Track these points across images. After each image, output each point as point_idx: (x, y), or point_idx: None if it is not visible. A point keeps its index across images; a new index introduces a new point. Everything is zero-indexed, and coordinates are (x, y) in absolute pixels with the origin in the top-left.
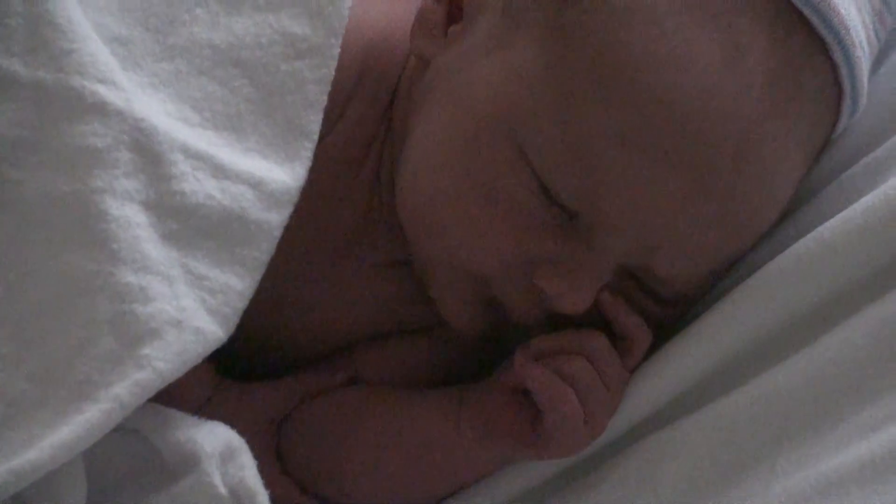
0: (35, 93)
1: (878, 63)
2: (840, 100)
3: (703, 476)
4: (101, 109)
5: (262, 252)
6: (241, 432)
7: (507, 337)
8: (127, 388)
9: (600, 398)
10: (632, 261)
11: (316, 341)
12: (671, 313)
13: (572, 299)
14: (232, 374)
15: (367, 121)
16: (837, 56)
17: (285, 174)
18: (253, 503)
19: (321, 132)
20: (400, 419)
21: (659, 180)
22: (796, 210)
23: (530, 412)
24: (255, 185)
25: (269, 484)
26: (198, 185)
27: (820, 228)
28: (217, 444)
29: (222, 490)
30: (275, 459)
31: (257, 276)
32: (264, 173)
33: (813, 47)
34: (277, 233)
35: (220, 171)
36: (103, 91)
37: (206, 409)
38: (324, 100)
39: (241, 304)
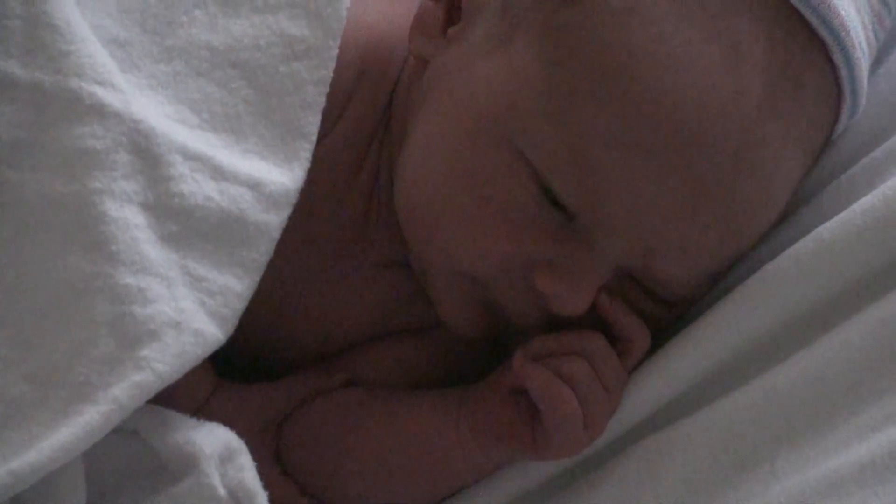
0: (33, 94)
1: (877, 64)
2: (840, 101)
3: (702, 477)
4: (99, 111)
5: (261, 253)
6: (241, 433)
7: (506, 338)
8: (126, 389)
9: (599, 399)
10: (631, 262)
11: (315, 342)
12: (670, 314)
13: (571, 301)
14: (231, 376)
15: (365, 122)
16: (837, 57)
17: (284, 176)
18: None
19: (320, 133)
20: (399, 420)
21: (658, 181)
22: (795, 211)
23: (529, 413)
24: (254, 186)
25: (268, 485)
26: (196, 187)
27: (819, 229)
28: (216, 445)
29: (221, 491)
30: (274, 461)
31: (256, 278)
32: (263, 175)
33: (813, 48)
34: (276, 234)
35: (218, 172)
36: (101, 93)
37: (205, 411)
38: (322, 101)
39: (240, 305)
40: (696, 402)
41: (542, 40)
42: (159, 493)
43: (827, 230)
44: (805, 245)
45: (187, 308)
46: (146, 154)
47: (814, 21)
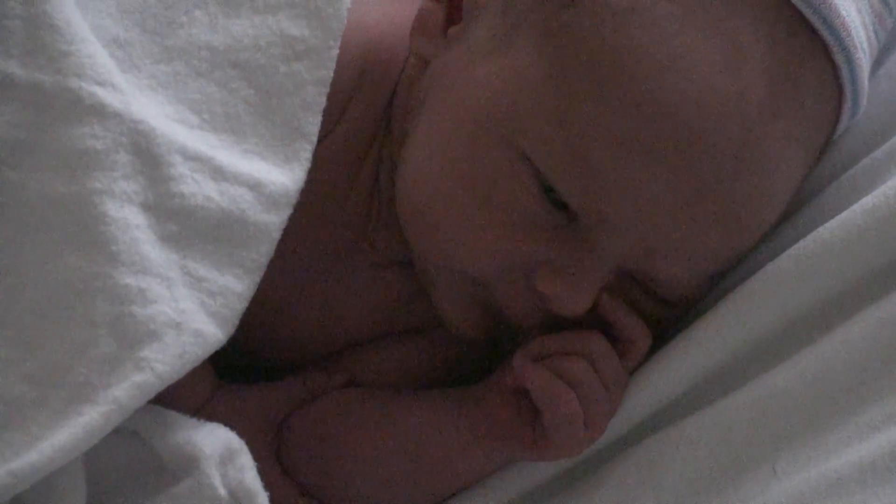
0: (33, 95)
1: (877, 64)
2: (841, 101)
3: (702, 477)
4: (99, 111)
5: (261, 254)
6: (241, 434)
7: (506, 338)
8: (126, 390)
9: (600, 399)
10: (632, 262)
11: (315, 342)
12: (671, 314)
13: (572, 301)
14: (231, 376)
15: (366, 122)
16: (839, 58)
17: (284, 176)
18: None
19: (320, 133)
20: (399, 420)
21: (659, 182)
22: (796, 211)
23: (530, 413)
24: (254, 186)
25: (268, 485)
26: (197, 187)
27: (820, 229)
28: (217, 445)
29: (222, 492)
30: (275, 461)
31: (256, 278)
32: (263, 175)
33: (814, 49)
34: (276, 234)
35: (218, 172)
36: (101, 93)
37: (205, 411)
38: (322, 101)
39: (240, 305)
40: (696, 402)
41: (543, 41)
42: (159, 494)
43: (828, 230)
44: (806, 245)
45: (188, 308)
46: (146, 154)
47: (815, 21)
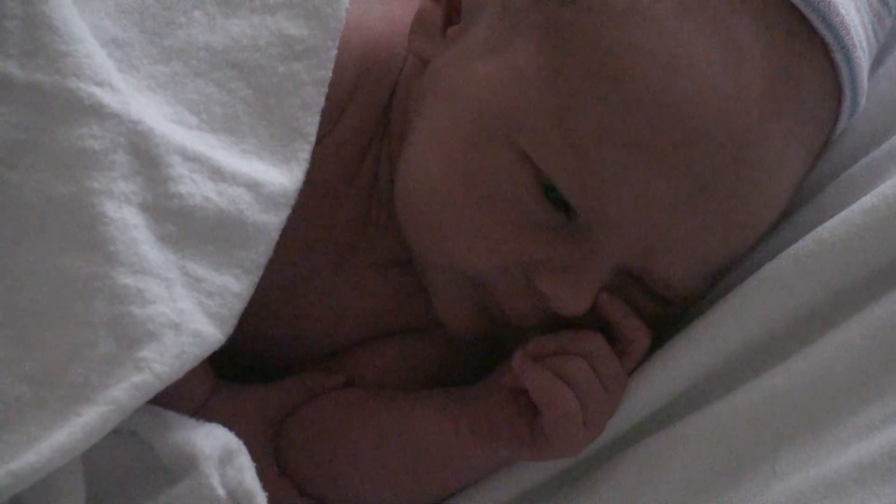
0: (32, 95)
1: (876, 63)
2: (840, 100)
3: (702, 477)
4: (97, 112)
5: (260, 254)
6: (240, 434)
7: (506, 338)
8: (125, 390)
9: (599, 399)
10: (631, 261)
11: (314, 342)
12: (670, 314)
13: (572, 301)
14: (230, 376)
15: (365, 122)
16: (838, 56)
17: (283, 176)
18: None
19: (320, 134)
20: (398, 420)
21: (658, 181)
22: (796, 210)
23: (529, 413)
24: (253, 187)
25: (267, 486)
26: (195, 188)
27: (819, 229)
28: (215, 446)
29: (221, 492)
30: (273, 461)
31: (255, 278)
32: (262, 175)
33: (813, 47)
34: (275, 235)
35: (217, 173)
36: (100, 93)
37: (204, 411)
38: (321, 101)
39: (238, 306)
40: (695, 401)
41: (542, 40)
42: (158, 494)
43: (827, 230)
44: (805, 244)
45: (186, 309)
46: (145, 155)
47: (814, 19)
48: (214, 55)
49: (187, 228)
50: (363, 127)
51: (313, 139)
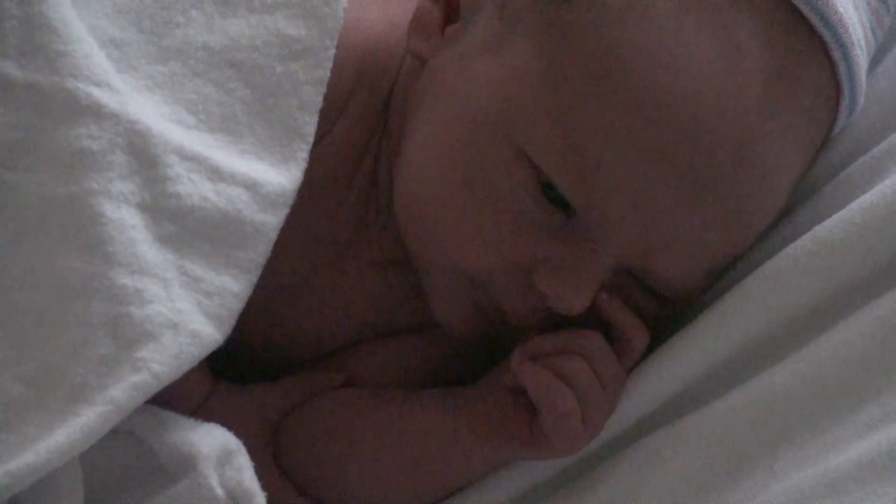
0: (30, 95)
1: (875, 62)
2: (838, 98)
3: (700, 476)
4: (96, 112)
5: (258, 254)
6: (238, 434)
7: (504, 338)
8: (123, 390)
9: (597, 398)
10: (630, 260)
11: (312, 342)
12: (669, 312)
13: (571, 300)
14: (228, 376)
15: (363, 122)
16: (836, 54)
17: (281, 176)
18: None
19: (318, 134)
20: (397, 420)
21: (657, 180)
22: (794, 209)
23: (527, 412)
24: (251, 187)
25: (266, 486)
26: (193, 188)
27: (818, 227)
28: (214, 446)
29: (219, 492)
30: (272, 461)
31: (253, 279)
32: (260, 175)
33: (811, 46)
34: (273, 235)
35: (215, 173)
36: (98, 93)
37: (202, 411)
38: (319, 101)
39: (237, 306)
40: (694, 400)
41: (541, 38)
42: (157, 494)
43: (825, 228)
44: (804, 243)
45: (184, 309)
46: (143, 155)
47: (812, 18)
48: (212, 55)
49: (185, 228)
50: (361, 127)
51: (311, 139)
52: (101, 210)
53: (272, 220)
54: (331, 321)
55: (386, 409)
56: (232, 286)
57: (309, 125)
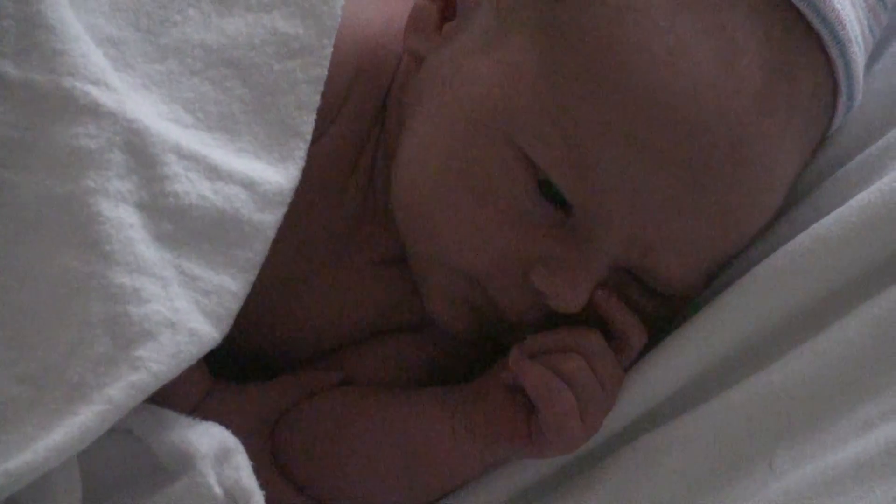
0: (27, 94)
1: (872, 60)
2: (836, 96)
3: (699, 474)
4: (93, 110)
5: (256, 253)
6: (236, 433)
7: (502, 336)
8: (121, 389)
9: (596, 396)
10: (628, 257)
11: (310, 341)
12: (667, 310)
13: (568, 297)
14: (226, 375)
15: (361, 120)
16: (833, 52)
17: (279, 175)
18: None
19: (316, 132)
20: (395, 418)
21: (654, 177)
22: (792, 207)
23: (526, 410)
24: (249, 185)
25: (264, 484)
26: (191, 186)
27: (815, 225)
28: (212, 444)
29: (218, 490)
30: (270, 460)
31: (251, 277)
32: (257, 174)
33: (809, 43)
34: (271, 233)
35: (213, 171)
36: (96, 92)
37: (200, 410)
38: (317, 100)
39: (235, 304)
40: (692, 399)
41: (538, 36)
42: (155, 493)
43: (823, 226)
44: (801, 241)
45: (182, 308)
46: (140, 153)
47: (810, 15)
48: (210, 53)
49: (183, 227)
50: (359, 125)
51: (309, 137)
52: (99, 209)
53: (270, 219)
54: (329, 319)
55: (384, 407)
56: (230, 285)
57: (307, 124)
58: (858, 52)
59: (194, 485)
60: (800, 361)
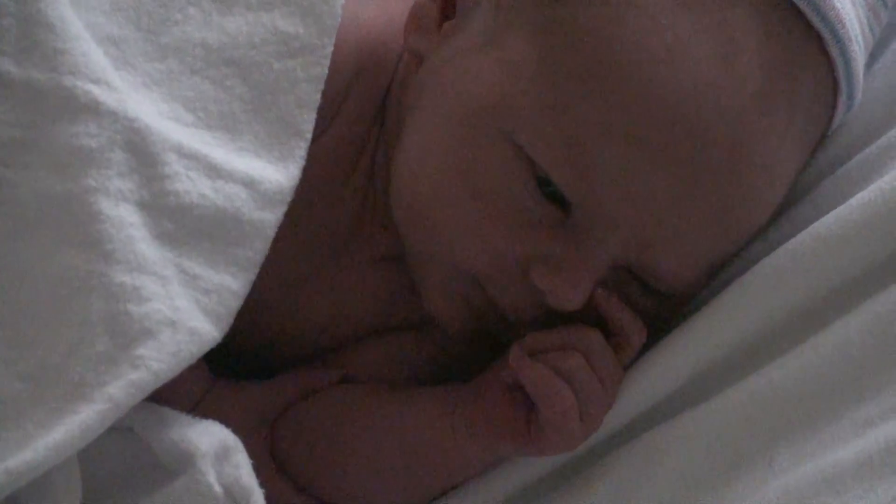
0: (28, 93)
1: (872, 58)
2: (836, 95)
3: (699, 473)
4: (94, 109)
5: (256, 252)
6: (236, 431)
7: (502, 334)
8: (121, 388)
9: (596, 394)
10: (628, 255)
11: (311, 339)
12: (666, 309)
13: (567, 295)
14: (226, 373)
15: (361, 119)
16: (833, 51)
17: (279, 173)
18: (248, 502)
19: (316, 131)
20: (394, 417)
21: (654, 175)
22: (792, 206)
23: (525, 408)
24: (249, 184)
25: (264, 483)
26: (191, 185)
27: (816, 224)
28: (212, 442)
29: (217, 489)
30: (269, 458)
31: (251, 276)
32: (258, 173)
33: (808, 42)
34: (271, 232)
35: (213, 170)
36: (96, 91)
37: (200, 408)
38: (317, 99)
39: (235, 303)
40: (692, 397)
41: (537, 33)
42: (155, 491)
43: (823, 225)
44: (802, 240)
45: (183, 306)
46: (141, 152)
47: (809, 13)
48: (210, 52)
49: (184, 226)
50: (359, 123)
51: (309, 136)
52: (100, 208)
53: (270, 218)
54: (329, 318)
55: (383, 405)
56: (230, 284)
57: (307, 122)
58: (858, 51)
59: (194, 483)
60: (800, 360)
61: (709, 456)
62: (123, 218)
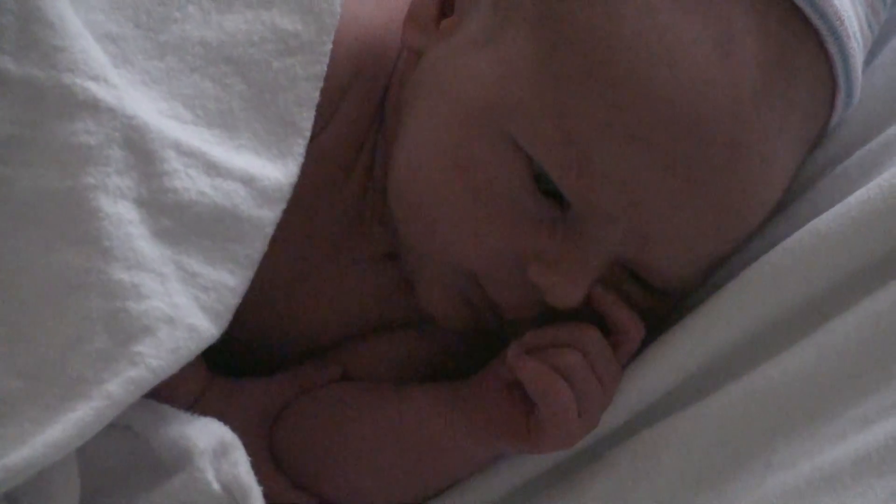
0: (27, 90)
1: (871, 55)
2: (834, 92)
3: (697, 470)
4: (92, 107)
5: (255, 249)
6: (234, 428)
7: (500, 331)
8: (120, 385)
9: (594, 391)
10: (626, 252)
11: (309, 336)
12: (664, 306)
13: (566, 292)
14: (224, 371)
15: (360, 116)
16: (832, 47)
17: (278, 171)
18: (246, 499)
19: (315, 129)
20: (392, 414)
21: (653, 170)
22: (790, 203)
23: (524, 406)
24: (248, 182)
25: (262, 480)
26: (190, 183)
27: (814, 221)
28: (210, 440)
29: (216, 486)
30: (268, 455)
31: (250, 273)
32: (257, 170)
33: (807, 38)
34: (270, 230)
35: (212, 168)
36: (95, 88)
37: (198, 406)
38: (316, 97)
39: (233, 300)
40: (691, 395)
41: (535, 32)
42: (153, 488)
43: (822, 222)
44: (800, 237)
45: (181, 303)
46: (140, 150)
47: (808, 11)
48: (209, 50)
49: (182, 223)
50: (358, 121)
51: (308, 134)
52: (98, 205)
53: (269, 215)
54: (327, 316)
55: (382, 403)
56: (229, 281)
57: (306, 120)
58: (857, 48)
59: (192, 480)
60: (799, 357)
61: (707, 454)
62: (122, 215)
